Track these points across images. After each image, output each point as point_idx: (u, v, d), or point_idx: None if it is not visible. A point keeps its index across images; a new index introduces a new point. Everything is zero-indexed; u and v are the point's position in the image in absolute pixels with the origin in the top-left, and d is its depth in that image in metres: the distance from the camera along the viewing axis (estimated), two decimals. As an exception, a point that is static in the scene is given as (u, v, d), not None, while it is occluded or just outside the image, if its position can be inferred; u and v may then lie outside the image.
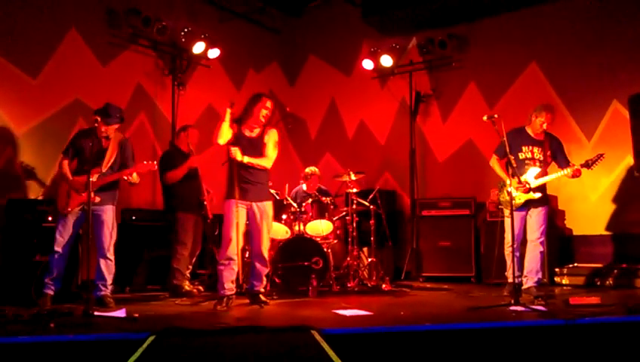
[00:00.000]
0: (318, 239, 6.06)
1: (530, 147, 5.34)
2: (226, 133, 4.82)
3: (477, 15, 7.51)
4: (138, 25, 6.88)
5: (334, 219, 6.29)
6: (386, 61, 7.96)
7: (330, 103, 8.91)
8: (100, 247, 4.96)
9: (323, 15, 8.77)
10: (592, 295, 4.99)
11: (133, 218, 6.36)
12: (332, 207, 6.29)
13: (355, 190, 6.39)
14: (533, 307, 4.31)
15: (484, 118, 5.02)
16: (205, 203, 5.84)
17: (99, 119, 4.74)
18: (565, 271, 6.32)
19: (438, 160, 8.00)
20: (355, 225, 6.27)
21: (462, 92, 7.82)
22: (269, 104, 4.99)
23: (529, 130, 5.40)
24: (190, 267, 5.92)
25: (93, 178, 4.73)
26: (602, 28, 6.80)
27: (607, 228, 6.66)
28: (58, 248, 4.92)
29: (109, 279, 5.00)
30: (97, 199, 4.84)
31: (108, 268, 4.97)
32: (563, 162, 5.34)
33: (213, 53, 7.57)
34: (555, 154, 5.37)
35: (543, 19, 7.20)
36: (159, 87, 7.42)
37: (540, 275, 5.33)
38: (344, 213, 6.48)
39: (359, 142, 8.63)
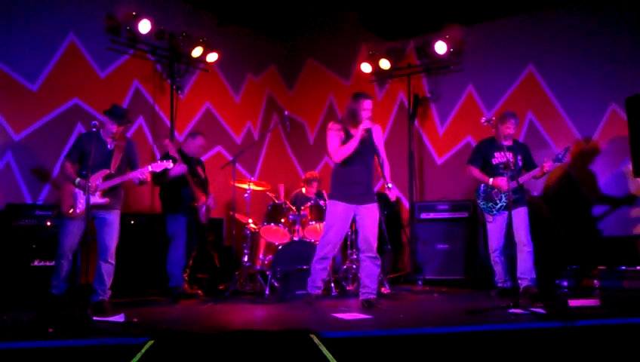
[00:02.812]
0: (316, 243, 6.05)
1: (502, 152, 5.57)
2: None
3: (475, 19, 7.53)
4: (136, 30, 6.89)
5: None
6: (384, 64, 7.98)
7: (328, 107, 8.91)
8: (103, 251, 4.87)
9: (321, 19, 8.78)
10: (592, 297, 4.99)
11: (132, 222, 6.35)
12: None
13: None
14: (533, 309, 4.31)
15: (482, 120, 5.10)
16: (197, 207, 5.82)
17: (100, 122, 4.73)
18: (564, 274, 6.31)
19: (436, 163, 8.01)
20: (353, 228, 6.27)
21: (460, 95, 7.83)
22: (368, 105, 4.97)
23: (498, 139, 5.66)
24: (188, 270, 5.90)
25: (99, 181, 4.77)
26: (599, 31, 6.81)
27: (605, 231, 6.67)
28: (63, 253, 4.84)
29: (108, 284, 4.93)
30: (105, 200, 4.82)
31: (108, 272, 4.92)
32: (532, 166, 5.62)
33: (212, 57, 7.59)
34: (526, 159, 5.65)
35: (540, 23, 7.21)
36: (158, 92, 7.42)
37: (533, 274, 5.39)
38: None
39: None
